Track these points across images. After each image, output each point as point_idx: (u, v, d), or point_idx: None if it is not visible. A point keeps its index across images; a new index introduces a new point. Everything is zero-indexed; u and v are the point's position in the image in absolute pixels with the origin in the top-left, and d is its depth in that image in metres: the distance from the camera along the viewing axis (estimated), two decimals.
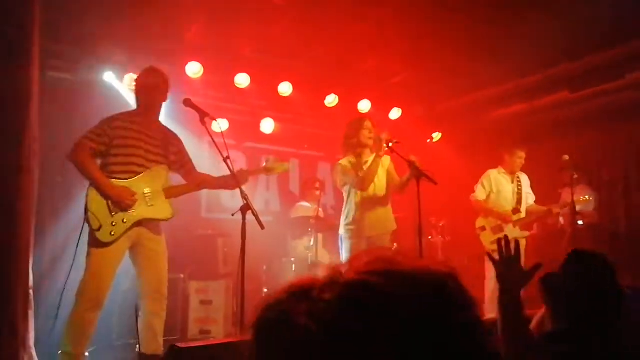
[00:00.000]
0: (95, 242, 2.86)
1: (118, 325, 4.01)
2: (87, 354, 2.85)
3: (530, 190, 4.74)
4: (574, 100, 5.18)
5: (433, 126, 6.36)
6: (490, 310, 4.33)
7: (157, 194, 3.04)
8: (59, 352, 2.78)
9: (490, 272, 4.52)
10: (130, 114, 3.16)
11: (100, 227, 2.84)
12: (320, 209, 5.39)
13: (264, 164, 3.34)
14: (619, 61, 4.72)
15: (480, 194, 4.69)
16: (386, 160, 3.90)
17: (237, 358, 2.26)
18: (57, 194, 4.61)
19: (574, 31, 4.57)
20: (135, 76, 4.62)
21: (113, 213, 2.88)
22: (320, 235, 5.15)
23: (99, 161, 3.00)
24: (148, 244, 3.02)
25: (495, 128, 5.95)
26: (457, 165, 5.23)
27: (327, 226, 5.19)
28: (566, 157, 4.31)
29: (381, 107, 6.14)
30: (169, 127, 3.32)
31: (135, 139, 3.02)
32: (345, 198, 4.01)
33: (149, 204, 3.01)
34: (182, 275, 4.54)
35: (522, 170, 4.72)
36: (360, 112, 5.96)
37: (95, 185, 2.89)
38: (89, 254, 2.87)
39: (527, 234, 4.61)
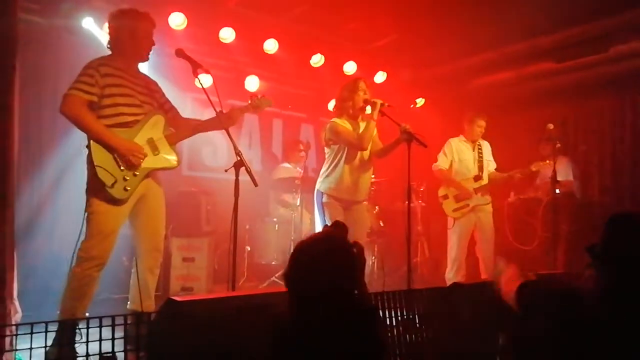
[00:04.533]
0: (105, 199, 2.67)
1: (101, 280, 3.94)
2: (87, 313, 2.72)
3: (491, 158, 4.80)
4: (559, 71, 5.24)
5: (417, 91, 6.35)
6: (450, 277, 4.48)
7: (161, 142, 2.89)
8: (58, 311, 2.68)
9: (452, 240, 4.64)
10: (111, 58, 2.90)
11: (115, 182, 2.67)
12: (301, 170, 5.38)
13: (249, 102, 3.18)
14: (604, 34, 4.76)
15: (442, 162, 4.72)
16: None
17: (234, 312, 2.24)
18: (31, 146, 4.44)
19: (562, 1, 4.57)
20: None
21: (122, 167, 2.72)
22: (303, 196, 5.16)
23: None
24: (151, 200, 2.89)
25: (479, 95, 5.99)
26: (439, 132, 5.25)
27: (310, 187, 5.19)
28: (550, 125, 4.37)
29: (367, 70, 6.05)
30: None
31: (126, 87, 2.83)
32: (329, 158, 3.90)
33: (155, 153, 2.86)
34: (165, 232, 4.48)
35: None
36: (346, 73, 5.88)
37: (99, 139, 2.68)
38: (94, 212, 2.68)
39: (489, 200, 4.68)
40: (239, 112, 3.04)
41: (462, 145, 4.76)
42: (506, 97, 5.82)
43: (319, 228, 3.91)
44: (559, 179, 4.44)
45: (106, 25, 4.27)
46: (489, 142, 4.82)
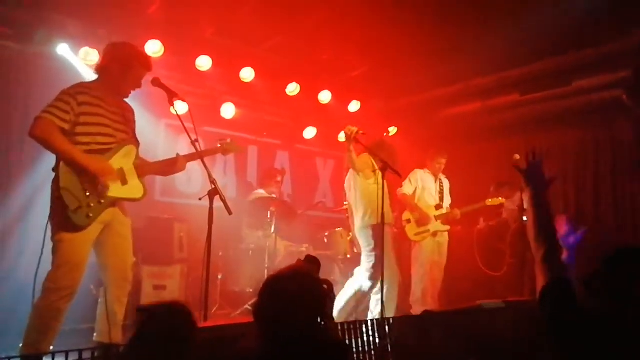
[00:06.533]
0: (67, 226, 2.60)
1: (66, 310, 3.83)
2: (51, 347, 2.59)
3: (448, 194, 5.23)
4: (523, 103, 5.48)
5: (390, 121, 6.51)
6: (417, 308, 4.60)
7: (130, 172, 2.85)
8: (21, 345, 2.55)
9: (415, 265, 4.94)
10: (91, 86, 2.85)
11: (79, 207, 2.60)
12: (276, 197, 5.40)
13: (219, 145, 3.24)
14: (567, 69, 5.03)
15: (407, 189, 5.08)
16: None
17: (207, 344, 2.21)
18: None
19: (527, 38, 4.82)
20: (91, 50, 4.41)
21: (88, 193, 2.65)
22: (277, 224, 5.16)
23: None
24: (118, 228, 2.83)
25: (448, 125, 6.18)
26: (410, 160, 5.40)
27: (286, 212, 5.21)
28: (517, 156, 4.52)
29: (341, 99, 6.21)
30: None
31: (102, 116, 2.79)
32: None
33: (123, 183, 2.81)
34: (134, 259, 4.39)
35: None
36: (321, 102, 6.01)
37: (69, 159, 2.60)
38: (60, 241, 2.61)
39: (448, 227, 5.07)
40: (206, 154, 3.05)
41: (426, 176, 5.15)
42: (473, 127, 6.03)
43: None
44: (525, 207, 4.60)
45: (88, 49, 4.28)
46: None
